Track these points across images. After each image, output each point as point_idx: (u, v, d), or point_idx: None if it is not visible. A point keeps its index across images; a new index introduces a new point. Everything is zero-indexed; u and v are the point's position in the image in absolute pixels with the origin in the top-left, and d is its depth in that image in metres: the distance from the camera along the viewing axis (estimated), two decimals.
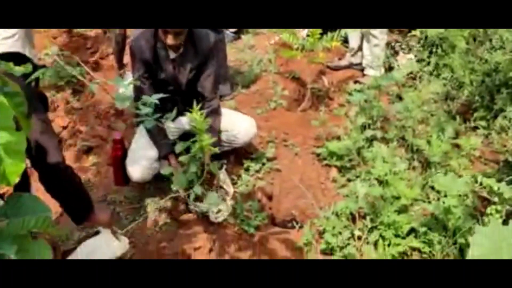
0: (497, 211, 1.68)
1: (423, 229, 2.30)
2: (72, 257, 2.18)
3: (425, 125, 3.09)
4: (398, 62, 3.78)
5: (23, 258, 1.08)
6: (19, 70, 1.12)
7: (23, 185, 2.01)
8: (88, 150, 3.08)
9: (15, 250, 1.08)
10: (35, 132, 1.75)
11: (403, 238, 2.32)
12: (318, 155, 3.06)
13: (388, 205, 2.37)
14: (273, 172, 2.95)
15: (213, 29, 3.30)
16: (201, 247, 2.39)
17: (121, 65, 3.42)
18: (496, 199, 1.70)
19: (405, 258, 2.31)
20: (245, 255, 2.38)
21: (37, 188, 2.80)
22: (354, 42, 3.81)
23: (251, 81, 3.74)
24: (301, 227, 2.57)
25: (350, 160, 2.89)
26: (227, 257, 2.36)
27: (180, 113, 2.49)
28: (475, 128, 3.20)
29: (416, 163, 2.81)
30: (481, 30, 3.53)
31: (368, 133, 2.97)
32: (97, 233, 2.26)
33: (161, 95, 1.84)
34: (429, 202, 2.43)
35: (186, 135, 2.61)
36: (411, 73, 3.67)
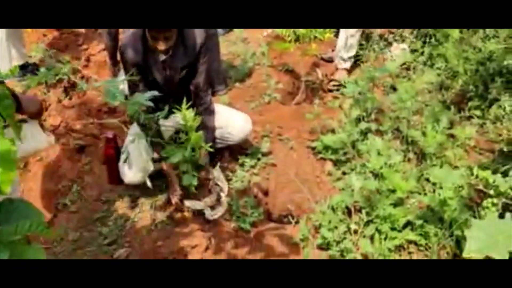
0: (493, 204, 1.68)
1: (419, 221, 2.29)
2: None
3: (419, 116, 3.08)
4: (392, 52, 3.75)
5: None
6: (5, 75, 1.10)
7: None
8: (81, 149, 3.05)
9: (9, 255, 1.07)
10: None
11: (399, 231, 2.31)
12: (313, 148, 3.05)
13: (383, 198, 2.36)
14: (268, 167, 2.94)
15: None
16: (197, 245, 2.38)
17: (114, 62, 3.37)
18: (492, 191, 1.70)
19: (402, 251, 2.31)
20: (241, 252, 2.37)
21: (30, 188, 2.80)
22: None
23: (244, 75, 3.71)
24: (297, 222, 2.56)
25: (345, 153, 2.88)
26: (223, 254, 2.35)
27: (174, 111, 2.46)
28: (470, 117, 3.18)
29: (411, 155, 2.80)
30: None
31: (363, 125, 2.96)
32: (22, 121, 1.97)
33: (154, 93, 1.80)
34: (425, 194, 2.42)
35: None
36: (405, 63, 3.65)
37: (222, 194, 2.61)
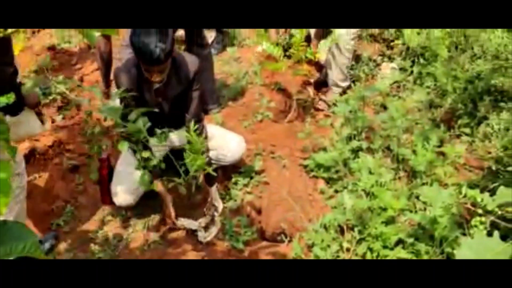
0: (481, 223, 1.71)
1: (411, 239, 2.32)
2: None
3: (410, 134, 3.12)
4: (382, 71, 3.82)
5: None
6: (2, 100, 1.12)
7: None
8: (74, 169, 3.06)
9: None
10: None
11: (391, 249, 2.33)
12: (305, 166, 3.08)
13: (375, 217, 2.39)
14: (261, 185, 2.96)
15: (200, 45, 3.33)
16: None
17: (107, 83, 3.40)
18: (480, 210, 1.73)
19: None
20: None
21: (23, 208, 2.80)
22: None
23: (237, 94, 3.75)
24: (290, 240, 2.58)
25: (337, 172, 2.91)
26: None
27: (173, 126, 2.49)
28: (459, 135, 3.23)
29: (401, 173, 2.84)
30: (462, 38, 3.58)
31: (354, 144, 3.00)
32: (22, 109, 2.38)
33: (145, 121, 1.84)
34: (416, 212, 2.45)
35: (173, 152, 2.61)
36: (395, 82, 3.71)
37: (216, 214, 2.63)
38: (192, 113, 2.59)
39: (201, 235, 2.55)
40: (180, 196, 2.73)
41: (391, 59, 3.94)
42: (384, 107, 3.47)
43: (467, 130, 3.24)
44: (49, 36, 4.40)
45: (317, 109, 3.66)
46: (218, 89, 3.69)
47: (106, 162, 2.74)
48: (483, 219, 1.70)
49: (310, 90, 3.83)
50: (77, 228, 2.71)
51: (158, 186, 2.52)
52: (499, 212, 1.66)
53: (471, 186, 2.26)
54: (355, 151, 2.99)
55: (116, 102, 3.12)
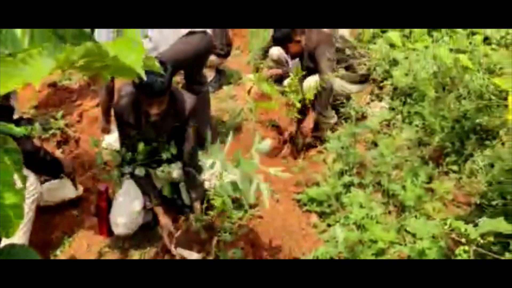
0: (465, 251, 1.79)
1: None
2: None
3: (399, 170, 3.22)
4: (372, 109, 3.96)
5: None
6: (20, 131, 1.21)
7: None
8: (73, 200, 3.12)
9: None
10: None
11: None
12: (298, 201, 3.16)
13: (366, 249, 2.46)
14: (255, 219, 3.03)
15: (199, 83, 3.47)
16: None
17: (108, 118, 3.51)
18: (463, 239, 1.81)
19: None
20: None
21: None
22: None
23: (233, 130, 3.86)
24: None
25: (330, 206, 3.00)
26: None
27: (168, 161, 2.58)
28: (447, 172, 3.33)
29: (391, 208, 2.93)
30: (448, 79, 3.73)
31: (346, 179, 3.09)
32: (61, 177, 2.92)
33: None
34: (405, 245, 2.53)
35: (173, 183, 2.72)
36: (384, 120, 3.84)
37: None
38: (188, 148, 2.71)
39: None
40: (179, 226, 2.82)
41: (379, 98, 4.09)
42: (375, 144, 3.58)
43: (455, 168, 3.34)
44: (50, 73, 4.53)
45: (310, 146, 3.77)
46: (214, 125, 3.81)
47: (105, 195, 2.82)
48: (466, 247, 1.79)
49: (304, 128, 3.95)
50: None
51: (159, 214, 2.60)
52: (481, 241, 1.75)
53: (457, 219, 2.35)
54: (347, 186, 3.08)
55: (114, 136, 3.24)
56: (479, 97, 3.33)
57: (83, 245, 2.82)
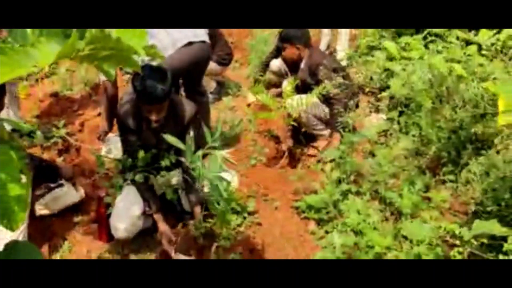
0: (459, 253, 1.82)
1: None
2: (41, 200, 2.96)
3: (396, 179, 3.26)
4: (369, 118, 4.01)
5: None
6: (26, 127, 1.26)
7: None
8: (72, 207, 3.15)
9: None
10: None
11: None
12: (297, 208, 3.19)
13: (363, 254, 2.49)
14: (254, 226, 3.06)
15: (199, 93, 3.53)
16: None
17: (111, 125, 3.55)
18: (457, 241, 1.84)
19: None
20: None
21: None
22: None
23: (232, 140, 3.92)
24: None
25: (327, 213, 3.03)
26: None
27: (168, 168, 2.62)
28: (444, 181, 3.37)
29: (388, 215, 2.96)
30: (444, 89, 3.79)
31: (343, 187, 3.13)
32: (60, 185, 2.99)
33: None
34: (401, 250, 2.55)
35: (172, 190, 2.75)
36: (382, 130, 3.89)
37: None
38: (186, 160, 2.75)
39: None
40: (178, 233, 2.84)
41: (377, 109, 4.14)
42: (372, 154, 3.62)
43: (452, 177, 3.37)
44: (52, 84, 4.60)
45: (308, 155, 3.81)
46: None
47: (105, 201, 2.85)
48: (460, 249, 1.81)
49: (302, 137, 4.00)
50: None
51: (159, 220, 2.63)
52: (475, 243, 1.78)
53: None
54: (345, 194, 3.12)
55: (114, 141, 3.27)
56: (474, 106, 3.38)
57: (83, 251, 2.85)
